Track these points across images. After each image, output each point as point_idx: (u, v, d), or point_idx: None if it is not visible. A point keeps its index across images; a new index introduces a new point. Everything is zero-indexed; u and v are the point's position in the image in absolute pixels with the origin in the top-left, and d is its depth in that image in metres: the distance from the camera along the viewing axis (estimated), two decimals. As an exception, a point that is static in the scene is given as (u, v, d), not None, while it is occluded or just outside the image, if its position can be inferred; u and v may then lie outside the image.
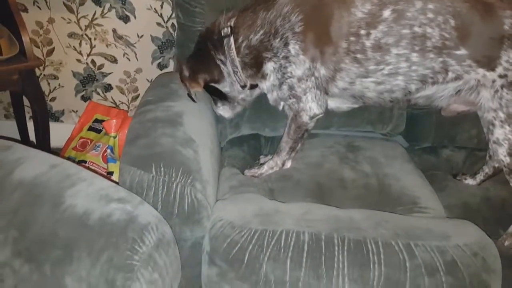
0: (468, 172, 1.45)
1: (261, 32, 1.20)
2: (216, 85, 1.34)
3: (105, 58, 1.98)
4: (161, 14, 1.82)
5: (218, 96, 1.38)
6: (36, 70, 1.88)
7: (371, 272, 0.95)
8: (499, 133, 1.17)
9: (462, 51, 1.12)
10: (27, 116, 2.08)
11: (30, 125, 2.05)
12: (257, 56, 1.24)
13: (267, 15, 1.19)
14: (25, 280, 0.84)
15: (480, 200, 1.33)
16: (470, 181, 1.42)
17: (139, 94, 2.07)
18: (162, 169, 1.04)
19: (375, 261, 0.96)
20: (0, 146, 1.02)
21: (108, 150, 1.79)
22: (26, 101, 1.99)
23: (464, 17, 1.10)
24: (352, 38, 1.14)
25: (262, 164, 1.38)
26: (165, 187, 1.03)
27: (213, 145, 1.32)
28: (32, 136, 2.06)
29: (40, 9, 1.88)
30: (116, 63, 1.98)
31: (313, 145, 1.51)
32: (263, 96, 1.38)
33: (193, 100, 1.32)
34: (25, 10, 1.87)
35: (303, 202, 1.22)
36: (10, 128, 2.12)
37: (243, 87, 1.31)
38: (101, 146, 1.84)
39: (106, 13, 1.86)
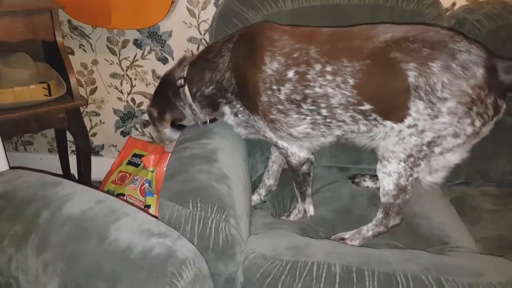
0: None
1: (212, 87, 1.30)
2: (181, 123, 1.48)
3: (144, 96, 2.09)
4: (192, 53, 1.91)
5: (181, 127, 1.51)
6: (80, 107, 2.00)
7: (402, 306, 0.96)
8: (392, 167, 1.19)
9: (366, 107, 1.13)
10: (69, 150, 2.20)
11: (71, 159, 2.16)
12: (213, 101, 1.34)
13: (213, 76, 1.29)
14: (71, 311, 0.89)
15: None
16: (369, 183, 1.49)
17: (174, 130, 2.16)
18: (198, 204, 1.09)
19: (405, 294, 0.97)
20: (51, 182, 1.09)
21: (146, 184, 1.85)
22: (68, 136, 2.11)
23: (364, 74, 1.10)
24: (269, 92, 1.20)
25: (290, 213, 1.43)
26: (201, 222, 1.07)
27: (246, 180, 1.36)
28: (73, 169, 2.17)
29: (85, 51, 2.01)
30: (154, 101, 2.08)
31: (343, 183, 1.54)
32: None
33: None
34: (72, 52, 2.01)
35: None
36: (53, 161, 2.24)
37: (205, 123, 1.42)
38: (139, 179, 1.91)
39: (146, 55, 1.98)
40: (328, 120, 1.19)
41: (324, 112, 1.18)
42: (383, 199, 1.25)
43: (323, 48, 1.15)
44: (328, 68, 1.13)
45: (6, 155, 1.52)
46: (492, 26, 1.43)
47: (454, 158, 1.19)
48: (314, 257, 1.06)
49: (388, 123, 1.14)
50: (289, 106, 1.20)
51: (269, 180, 1.54)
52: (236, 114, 1.34)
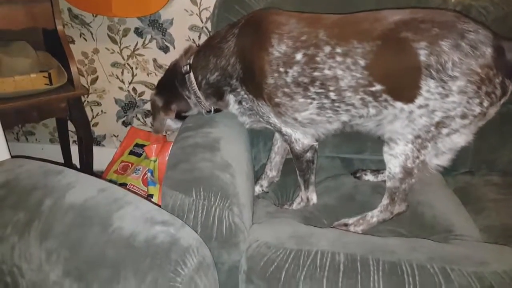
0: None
1: (217, 73, 1.30)
2: (185, 114, 1.47)
3: (146, 86, 2.08)
4: (198, 44, 1.90)
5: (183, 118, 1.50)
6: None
7: (406, 293, 0.95)
8: (399, 148, 1.18)
9: (376, 87, 1.12)
10: (70, 140, 2.20)
11: (73, 149, 2.16)
12: (218, 89, 1.33)
13: (218, 62, 1.28)
14: (75, 299, 0.88)
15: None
16: (370, 177, 1.47)
17: (176, 120, 2.15)
18: (201, 193, 1.08)
19: (410, 282, 0.96)
20: (53, 171, 1.08)
21: (148, 174, 1.85)
22: (70, 126, 2.11)
23: (375, 55, 1.10)
24: (275, 74, 1.19)
25: (292, 202, 1.43)
26: (205, 211, 1.07)
27: (248, 169, 1.36)
28: (74, 160, 2.17)
29: (86, 40, 2.00)
30: (156, 90, 2.07)
31: (346, 175, 1.54)
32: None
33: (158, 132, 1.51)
34: (72, 41, 2.00)
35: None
36: (54, 152, 2.24)
37: (209, 112, 1.41)
38: (141, 169, 1.91)
39: (147, 44, 1.96)
40: (336, 104, 1.18)
41: (332, 95, 1.17)
42: (389, 184, 1.24)
43: (332, 31, 1.15)
44: (338, 50, 1.12)
45: (7, 145, 1.52)
46: (498, 13, 1.41)
47: (461, 139, 1.19)
48: (318, 246, 1.06)
49: (399, 104, 1.14)
50: (295, 89, 1.19)
51: (272, 172, 1.53)
52: (240, 102, 1.33)
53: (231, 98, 1.34)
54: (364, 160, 1.61)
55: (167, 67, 1.96)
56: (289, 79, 1.18)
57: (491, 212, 1.35)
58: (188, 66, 1.35)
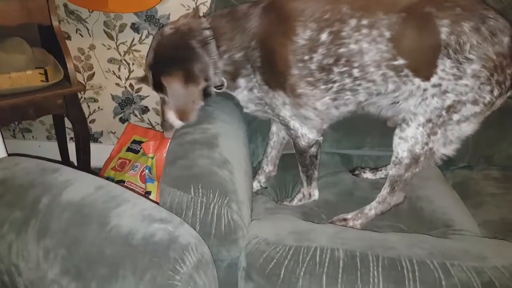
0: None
1: (242, 53, 1.21)
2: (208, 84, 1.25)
3: (143, 82, 2.07)
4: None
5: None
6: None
7: (406, 289, 0.95)
8: (410, 131, 1.18)
9: (399, 61, 1.12)
10: (68, 137, 2.19)
11: (70, 146, 2.15)
12: (236, 69, 1.25)
13: (243, 40, 1.20)
14: (73, 297, 0.88)
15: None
16: (368, 175, 1.47)
17: (174, 116, 2.14)
18: (200, 190, 1.07)
19: (410, 278, 0.96)
20: (49, 168, 1.07)
21: (146, 171, 1.84)
22: (67, 123, 2.10)
23: (399, 27, 1.10)
24: (300, 64, 1.17)
25: (293, 198, 1.42)
26: (203, 208, 1.06)
27: (247, 166, 1.35)
28: (72, 157, 2.16)
29: (82, 36, 1.98)
30: (153, 86, 2.06)
31: (346, 172, 1.54)
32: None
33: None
34: (69, 37, 1.98)
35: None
36: (51, 149, 2.23)
37: (221, 87, 1.28)
38: (139, 166, 1.90)
39: (143, 40, 1.95)
40: (358, 82, 1.17)
41: (355, 72, 1.15)
42: (392, 171, 1.24)
43: (355, 5, 1.13)
44: (364, 22, 1.11)
45: (4, 142, 1.51)
46: (496, 6, 1.39)
47: (469, 128, 1.20)
48: (318, 242, 1.05)
49: (417, 80, 1.14)
50: (319, 75, 1.17)
51: (268, 167, 1.52)
52: (251, 89, 1.28)
53: (242, 82, 1.28)
54: (363, 157, 1.61)
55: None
56: (313, 66, 1.16)
57: (490, 206, 1.35)
58: (209, 31, 1.19)
